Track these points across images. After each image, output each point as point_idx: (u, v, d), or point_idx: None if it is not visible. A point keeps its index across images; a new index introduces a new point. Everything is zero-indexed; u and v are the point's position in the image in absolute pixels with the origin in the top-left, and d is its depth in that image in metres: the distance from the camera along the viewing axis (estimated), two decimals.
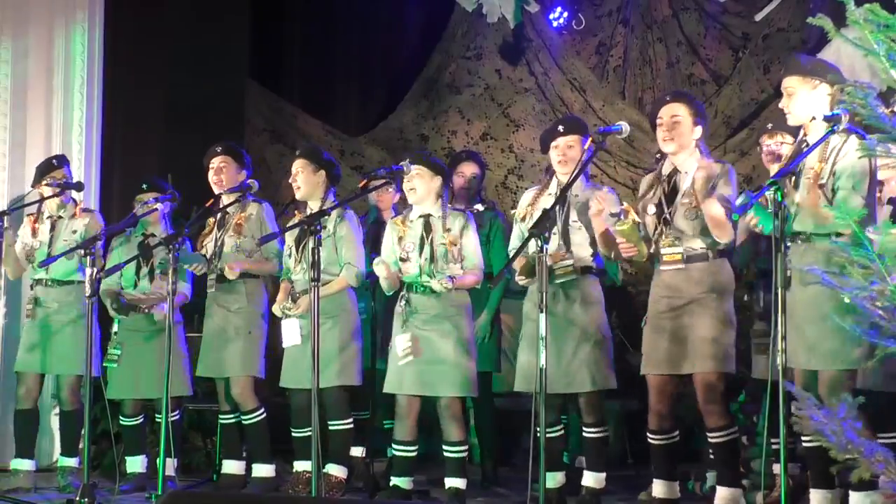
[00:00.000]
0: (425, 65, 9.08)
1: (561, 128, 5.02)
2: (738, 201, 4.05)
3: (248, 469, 5.70)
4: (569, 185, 4.52)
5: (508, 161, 8.74)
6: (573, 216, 4.93)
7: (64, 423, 5.97)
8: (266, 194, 5.97)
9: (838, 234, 3.92)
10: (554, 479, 4.96)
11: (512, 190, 8.60)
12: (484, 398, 5.96)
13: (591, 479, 4.98)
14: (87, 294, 5.06)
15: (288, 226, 5.38)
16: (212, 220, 5.75)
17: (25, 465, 5.91)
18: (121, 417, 5.88)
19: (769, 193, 3.81)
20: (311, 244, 4.46)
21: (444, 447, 5.07)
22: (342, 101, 9.19)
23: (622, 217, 4.62)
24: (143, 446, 5.95)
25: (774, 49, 8.31)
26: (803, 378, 4.17)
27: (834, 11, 3.75)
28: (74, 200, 6.05)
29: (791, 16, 8.27)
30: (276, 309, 5.40)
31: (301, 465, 5.39)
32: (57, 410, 6.15)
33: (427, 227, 5.09)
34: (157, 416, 5.87)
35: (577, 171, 4.66)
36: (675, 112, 4.63)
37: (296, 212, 5.62)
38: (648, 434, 4.69)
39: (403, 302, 5.08)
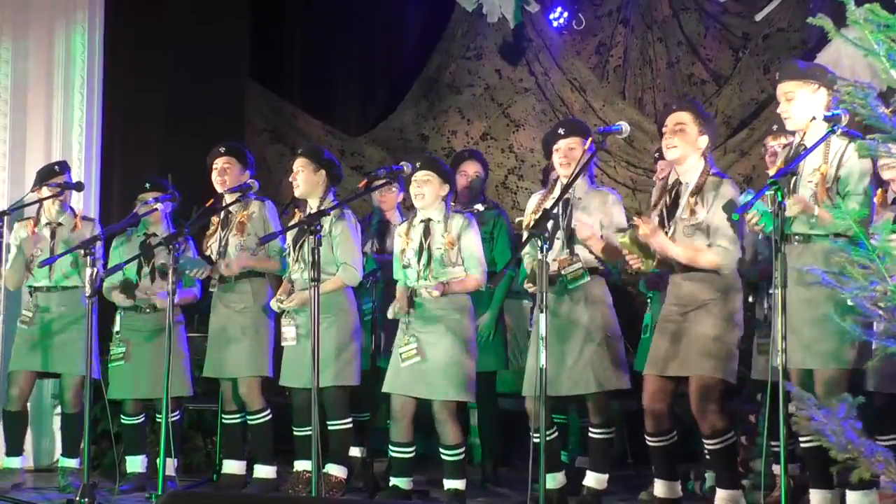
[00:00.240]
0: (425, 65, 9.08)
1: (561, 130, 5.01)
2: (740, 199, 4.06)
3: (249, 469, 5.70)
4: (568, 185, 4.51)
5: (508, 161, 8.74)
6: (575, 217, 4.92)
7: (66, 426, 5.97)
8: (266, 194, 5.97)
9: (837, 235, 3.93)
10: (554, 480, 4.96)
11: (512, 190, 8.59)
12: (488, 398, 5.97)
13: (594, 480, 4.98)
14: (87, 294, 5.06)
15: (289, 225, 5.38)
16: (215, 219, 5.75)
17: (15, 462, 5.92)
18: (122, 416, 5.89)
19: (769, 193, 3.81)
20: (310, 244, 4.45)
21: (441, 450, 5.07)
22: (342, 102, 9.18)
23: (627, 229, 4.63)
24: (143, 446, 5.95)
25: (774, 49, 8.31)
26: (800, 378, 4.17)
27: (834, 11, 3.75)
28: (73, 210, 6.04)
29: (791, 16, 8.27)
30: (273, 304, 5.40)
31: (301, 465, 5.39)
32: (58, 411, 6.15)
33: (426, 232, 5.09)
34: (157, 416, 5.87)
35: (576, 172, 4.66)
36: (681, 120, 4.60)
37: (296, 210, 5.62)
38: (646, 436, 4.68)
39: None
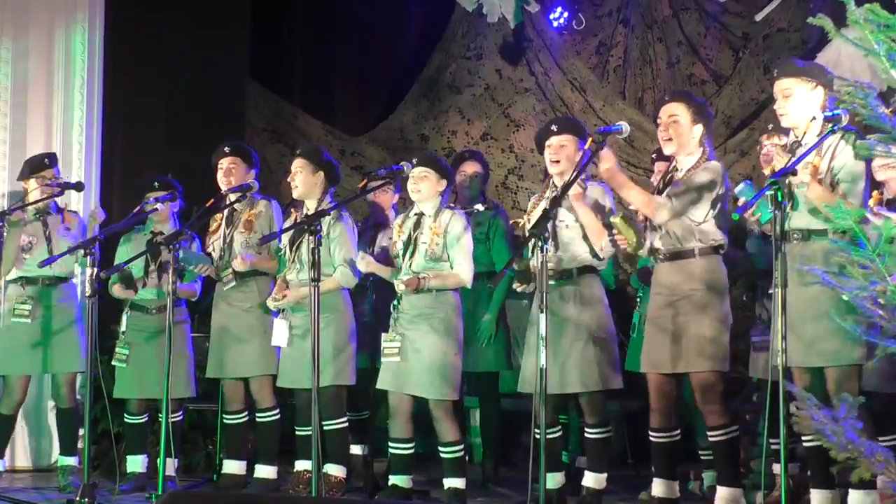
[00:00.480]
0: (425, 65, 9.08)
1: (554, 127, 5.00)
2: (740, 193, 4.05)
3: (249, 469, 5.70)
4: (569, 184, 4.50)
5: (508, 161, 8.74)
6: (560, 215, 4.89)
7: (61, 421, 5.97)
8: (266, 194, 5.97)
9: (837, 232, 3.94)
10: (554, 480, 4.96)
11: (512, 190, 8.59)
12: (490, 398, 5.97)
13: (592, 480, 4.98)
14: (87, 294, 5.06)
15: (286, 226, 5.38)
16: (218, 216, 5.75)
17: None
18: (125, 415, 5.89)
19: (769, 193, 3.81)
20: (310, 244, 4.45)
21: (440, 448, 5.07)
22: (342, 101, 9.18)
23: (615, 210, 4.63)
24: (144, 445, 5.95)
25: (774, 49, 8.31)
26: (806, 377, 4.17)
27: (834, 11, 3.76)
28: (57, 204, 6.02)
29: (791, 16, 8.28)
30: (269, 303, 5.41)
31: (301, 465, 5.39)
32: (51, 405, 6.14)
33: (417, 225, 5.09)
34: (160, 415, 5.87)
35: (576, 173, 4.66)
36: (673, 112, 4.62)
37: (292, 211, 5.62)
38: (650, 432, 4.69)
39: (395, 301, 5.09)
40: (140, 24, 7.36)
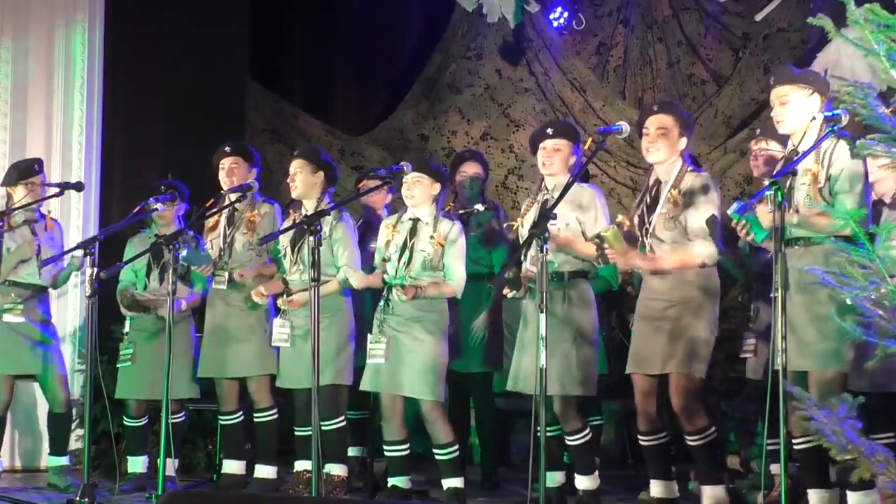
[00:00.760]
0: (425, 65, 9.09)
1: (550, 130, 4.97)
2: (732, 209, 4.05)
3: (249, 469, 5.70)
4: (568, 186, 4.49)
5: (508, 161, 8.74)
6: (549, 229, 4.86)
7: (54, 424, 5.94)
8: (266, 194, 5.97)
9: (837, 236, 3.93)
10: (553, 479, 4.96)
11: (512, 190, 8.60)
12: (485, 398, 5.97)
13: (585, 482, 4.95)
14: (87, 294, 5.06)
15: (286, 227, 5.38)
16: (216, 216, 5.73)
17: None
18: (125, 417, 5.89)
19: (769, 193, 3.81)
20: (310, 244, 4.45)
21: (435, 451, 5.07)
22: (342, 102, 9.19)
23: (607, 218, 4.63)
24: (145, 447, 5.95)
25: (774, 49, 8.32)
26: (794, 380, 4.16)
27: (834, 11, 3.75)
28: (42, 214, 6.01)
29: (791, 16, 8.28)
30: (279, 303, 5.39)
31: (301, 465, 5.39)
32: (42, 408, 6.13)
33: (413, 232, 5.08)
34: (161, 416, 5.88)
35: (576, 174, 4.66)
36: (663, 124, 4.62)
37: (290, 211, 5.61)
38: (639, 435, 4.73)
39: (382, 302, 5.09)
40: (140, 24, 7.35)
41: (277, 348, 5.51)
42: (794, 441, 4.18)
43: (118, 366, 5.87)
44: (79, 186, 6.06)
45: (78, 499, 4.90)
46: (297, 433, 5.45)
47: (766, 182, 3.91)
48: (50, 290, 6.01)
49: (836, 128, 4.06)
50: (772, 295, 3.80)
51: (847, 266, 3.43)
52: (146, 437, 6.00)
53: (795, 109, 4.25)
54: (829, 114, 4.09)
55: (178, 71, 7.42)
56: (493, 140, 8.80)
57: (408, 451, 5.13)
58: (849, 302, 3.48)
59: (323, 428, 5.25)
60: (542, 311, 4.04)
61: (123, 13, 7.21)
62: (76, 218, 6.79)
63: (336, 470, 5.34)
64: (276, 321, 5.38)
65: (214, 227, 5.74)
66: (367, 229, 5.87)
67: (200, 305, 5.88)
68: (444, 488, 5.04)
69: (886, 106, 3.49)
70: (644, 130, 4.67)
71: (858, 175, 4.10)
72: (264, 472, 5.60)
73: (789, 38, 8.29)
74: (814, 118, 4.20)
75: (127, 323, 5.91)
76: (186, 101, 7.34)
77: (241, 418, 5.71)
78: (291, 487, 5.38)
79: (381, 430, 5.19)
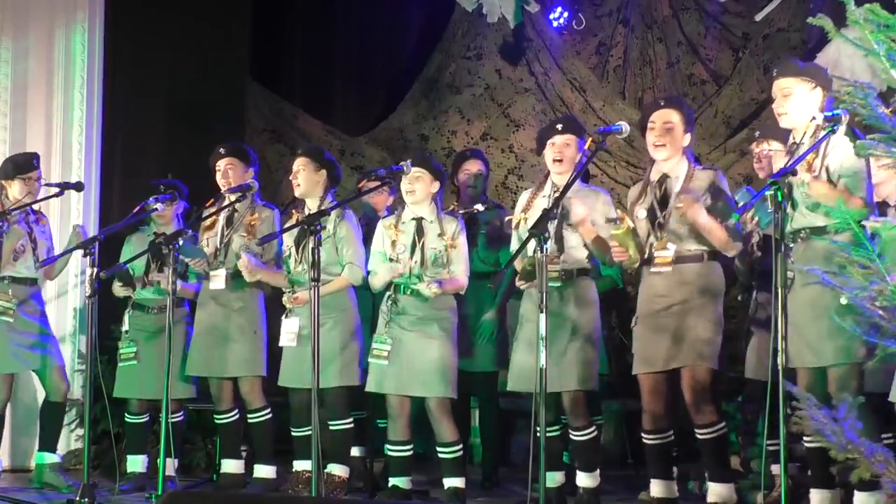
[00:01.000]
0: (425, 65, 9.08)
1: (559, 126, 5.01)
2: (740, 197, 4.05)
3: (249, 469, 5.70)
4: (568, 185, 4.51)
5: (508, 161, 8.74)
6: (567, 218, 4.91)
7: (47, 414, 5.93)
8: (266, 194, 5.98)
9: (838, 232, 3.94)
10: (553, 479, 4.96)
11: (512, 190, 8.59)
12: (489, 398, 5.97)
13: (586, 480, 4.97)
14: (87, 294, 5.06)
15: (287, 226, 5.38)
16: (214, 216, 5.73)
17: None
18: (126, 415, 5.89)
19: (769, 193, 3.81)
20: (310, 244, 4.45)
21: (438, 448, 5.08)
22: (342, 102, 9.18)
23: (617, 222, 4.62)
24: (144, 445, 5.95)
25: (774, 49, 8.31)
26: (809, 377, 4.16)
27: (834, 11, 3.76)
28: (34, 209, 6.00)
29: (791, 16, 8.28)
30: (284, 300, 5.39)
31: (301, 465, 5.39)
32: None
33: (419, 231, 5.09)
34: (160, 416, 5.87)
35: (576, 172, 4.66)
36: (669, 119, 4.62)
37: (293, 211, 5.61)
38: (643, 434, 4.71)
39: (390, 302, 5.08)
40: (140, 24, 7.35)
41: (267, 349, 5.52)
42: (805, 439, 4.19)
43: (119, 364, 5.87)
44: (79, 186, 6.06)
45: (78, 499, 4.90)
46: (295, 433, 5.44)
47: (768, 182, 3.91)
48: (45, 282, 6.02)
49: (836, 127, 4.06)
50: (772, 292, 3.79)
51: (847, 266, 3.43)
52: (147, 435, 6.00)
53: (798, 102, 4.25)
54: (829, 114, 4.09)
55: (178, 71, 7.42)
56: (493, 140, 8.80)
57: (411, 452, 5.14)
58: (843, 301, 3.49)
59: (331, 428, 5.26)
60: (541, 311, 4.05)
61: (123, 13, 7.21)
62: (76, 218, 6.78)
63: (337, 470, 5.34)
64: (285, 321, 5.38)
65: (212, 227, 5.74)
66: (369, 229, 5.88)
67: (194, 306, 5.88)
68: (445, 487, 5.04)
69: (886, 106, 3.50)
70: (650, 125, 4.66)
71: (859, 167, 4.08)
72: (263, 471, 5.60)
73: (789, 38, 8.29)
74: (813, 118, 4.20)
75: (126, 321, 5.90)
76: (186, 101, 7.34)
77: (237, 417, 5.70)
78: (291, 487, 5.38)
79: (381, 430, 5.20)
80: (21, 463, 6.55)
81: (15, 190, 5.86)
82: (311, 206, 5.40)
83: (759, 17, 8.37)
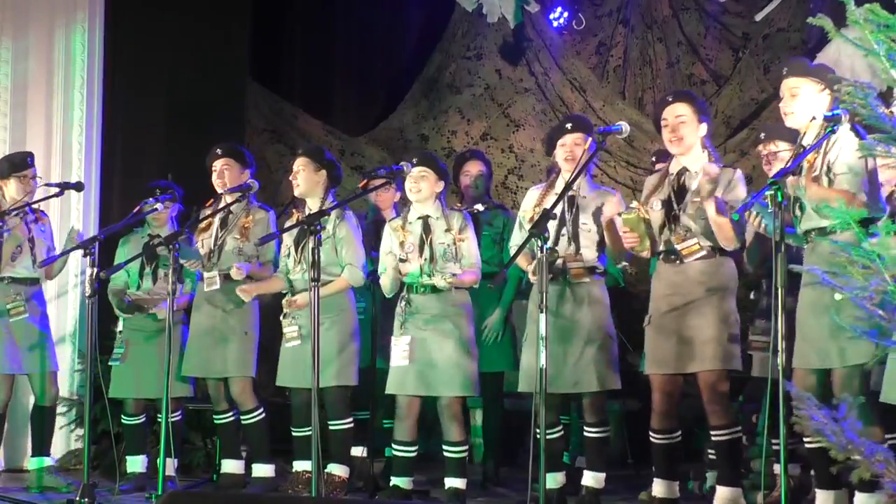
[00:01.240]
0: (425, 65, 9.09)
1: (569, 125, 5.02)
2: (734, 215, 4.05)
3: (249, 469, 5.70)
4: (569, 184, 4.51)
5: (508, 161, 8.74)
6: (583, 218, 4.92)
7: (37, 418, 5.93)
8: (266, 194, 5.98)
9: (841, 232, 3.93)
10: (554, 480, 4.96)
11: (512, 190, 8.60)
12: (494, 398, 5.97)
13: (591, 479, 4.98)
14: (87, 294, 5.06)
15: (287, 226, 5.38)
16: (210, 218, 5.72)
17: None
18: (123, 416, 5.89)
19: (769, 193, 3.81)
20: (310, 244, 4.45)
21: (445, 447, 5.07)
22: (342, 101, 9.19)
23: (629, 209, 4.62)
24: (144, 446, 5.95)
25: (774, 49, 8.32)
26: (809, 378, 4.15)
27: (834, 11, 3.75)
28: (33, 208, 6.00)
29: (791, 16, 8.28)
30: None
31: (301, 465, 5.39)
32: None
33: (426, 228, 5.09)
34: (158, 416, 5.88)
35: (577, 171, 4.67)
36: (680, 112, 4.61)
37: (293, 211, 5.62)
38: (651, 433, 4.68)
39: (403, 303, 5.08)
40: (140, 24, 7.36)
41: (257, 350, 5.52)
42: (805, 439, 4.18)
43: (110, 363, 5.87)
44: (79, 186, 6.07)
45: (78, 499, 4.91)
46: (295, 433, 5.44)
47: (768, 182, 3.90)
48: (45, 282, 6.02)
49: (836, 127, 4.05)
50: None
51: (847, 266, 3.43)
52: (145, 435, 6.00)
53: (805, 102, 4.23)
54: (829, 114, 4.09)
55: (178, 71, 7.43)
56: (493, 140, 8.80)
57: (415, 453, 5.14)
58: (837, 297, 3.49)
59: (331, 428, 5.26)
60: (541, 311, 4.05)
61: (123, 13, 7.22)
62: (76, 218, 6.79)
63: (337, 470, 5.34)
64: (285, 322, 5.38)
65: (207, 228, 5.73)
66: (380, 229, 5.88)
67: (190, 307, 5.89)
68: (446, 487, 5.04)
69: (886, 106, 3.49)
70: (662, 123, 4.65)
71: (858, 164, 4.05)
72: (262, 470, 5.60)
73: (789, 38, 8.29)
74: (814, 118, 4.19)
75: (120, 322, 5.91)
76: (186, 101, 7.34)
77: (234, 417, 5.70)
78: (291, 487, 5.38)
79: (383, 430, 5.19)
80: (16, 464, 6.56)
81: (11, 189, 5.86)
82: (312, 206, 5.40)
83: (759, 17, 8.37)
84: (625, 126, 4.57)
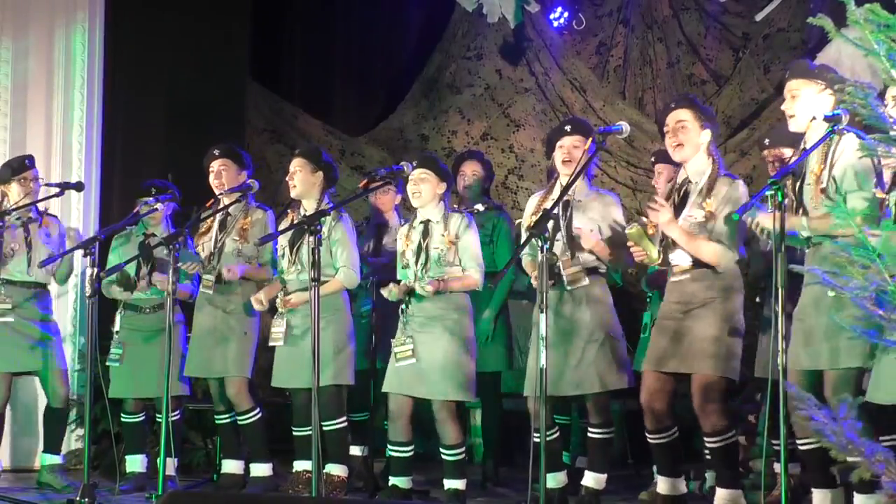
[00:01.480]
0: (425, 65, 9.09)
1: (568, 127, 5.01)
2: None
3: (248, 468, 5.70)
4: (568, 186, 4.50)
5: (508, 161, 8.74)
6: (577, 221, 4.91)
7: (49, 419, 5.94)
8: (266, 194, 5.97)
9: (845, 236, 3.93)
10: (555, 480, 4.95)
11: (512, 190, 8.60)
12: (492, 398, 5.97)
13: (592, 480, 4.97)
14: (87, 294, 5.06)
15: (285, 227, 5.37)
16: (209, 220, 5.72)
17: None
18: (122, 415, 5.89)
19: (769, 193, 3.80)
20: (310, 244, 4.44)
21: (442, 450, 5.07)
22: (342, 102, 9.19)
23: (629, 224, 4.62)
24: (143, 444, 5.95)
25: (774, 49, 8.32)
26: (802, 379, 4.15)
27: (834, 11, 3.75)
28: (39, 211, 5.99)
29: (791, 16, 8.29)
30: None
31: (301, 465, 5.39)
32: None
33: (426, 233, 5.09)
34: (157, 416, 5.88)
35: (576, 173, 4.66)
36: (681, 118, 4.59)
37: (289, 211, 5.61)
38: (647, 434, 4.67)
39: (403, 306, 5.08)
40: (140, 24, 7.36)
41: (255, 351, 5.51)
42: (798, 442, 4.17)
43: (107, 364, 5.87)
44: (79, 186, 6.06)
45: (78, 499, 4.91)
46: (295, 433, 5.44)
47: (768, 182, 3.90)
48: (52, 285, 6.02)
49: (836, 127, 4.05)
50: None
51: (847, 266, 3.43)
52: (144, 434, 6.00)
53: (805, 104, 4.22)
54: (829, 114, 4.08)
55: (178, 71, 7.43)
56: (493, 140, 8.80)
57: (412, 454, 5.14)
58: (830, 293, 3.48)
59: (325, 428, 5.25)
60: (542, 311, 4.05)
61: (123, 13, 7.22)
62: (76, 218, 6.79)
63: (336, 470, 5.34)
64: (274, 321, 5.38)
65: (206, 231, 5.74)
66: (381, 231, 5.88)
67: (190, 307, 5.88)
68: (446, 488, 5.04)
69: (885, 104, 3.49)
70: (665, 129, 4.64)
71: (867, 172, 4.01)
72: (260, 470, 5.59)
73: (789, 38, 8.29)
74: (814, 118, 4.19)
75: (117, 321, 5.90)
76: (186, 101, 7.35)
77: (235, 417, 5.70)
78: (291, 487, 5.38)
79: (379, 431, 5.19)
80: (22, 463, 6.56)
81: (13, 193, 5.86)
82: (308, 207, 5.39)
83: (759, 17, 8.38)
84: (625, 126, 4.57)
